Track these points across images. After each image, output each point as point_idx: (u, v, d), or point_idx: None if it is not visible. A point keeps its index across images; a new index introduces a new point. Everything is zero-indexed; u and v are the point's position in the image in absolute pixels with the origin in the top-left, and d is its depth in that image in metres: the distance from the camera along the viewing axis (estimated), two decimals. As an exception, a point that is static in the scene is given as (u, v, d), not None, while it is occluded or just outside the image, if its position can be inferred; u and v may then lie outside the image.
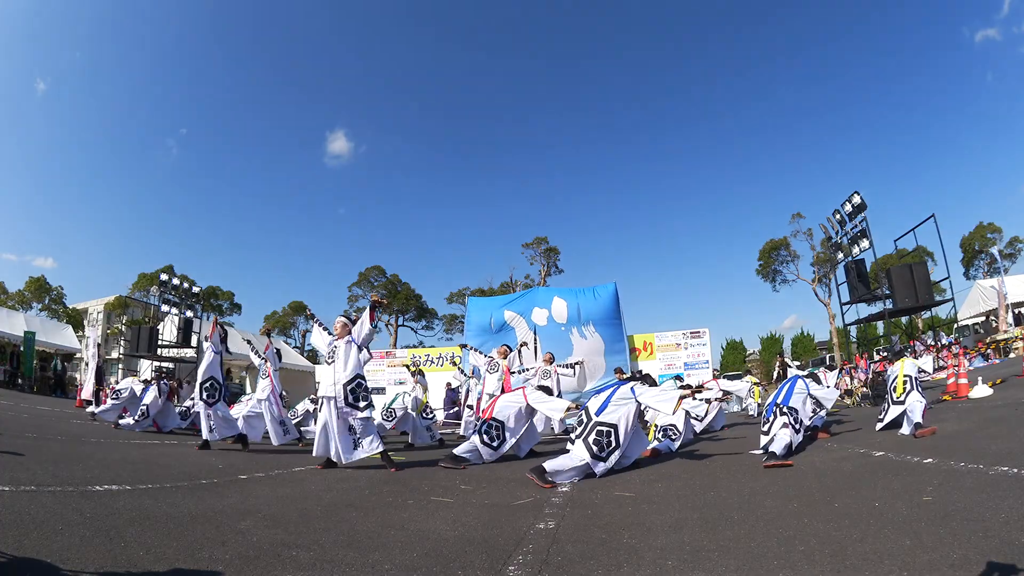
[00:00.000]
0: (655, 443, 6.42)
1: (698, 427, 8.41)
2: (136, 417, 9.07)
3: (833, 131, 57.40)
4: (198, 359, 18.97)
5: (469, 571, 2.31)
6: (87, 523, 2.76)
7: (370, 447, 5.29)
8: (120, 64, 59.25)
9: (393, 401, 8.71)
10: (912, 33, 52.08)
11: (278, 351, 8.09)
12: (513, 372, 8.92)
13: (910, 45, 52.38)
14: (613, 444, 4.67)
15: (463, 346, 11.42)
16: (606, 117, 63.94)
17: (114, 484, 3.87)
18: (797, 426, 5.41)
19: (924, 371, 6.90)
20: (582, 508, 3.54)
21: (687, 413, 7.01)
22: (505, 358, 9.03)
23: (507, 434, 5.94)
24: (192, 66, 61.75)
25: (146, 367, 17.43)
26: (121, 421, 9.24)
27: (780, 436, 5.10)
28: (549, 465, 4.46)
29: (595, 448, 4.62)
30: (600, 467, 4.62)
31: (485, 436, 5.85)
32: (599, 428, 4.69)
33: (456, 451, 5.74)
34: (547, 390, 6.33)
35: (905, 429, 5.84)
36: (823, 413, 7.28)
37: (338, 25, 64.67)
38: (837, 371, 12.74)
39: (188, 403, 9.57)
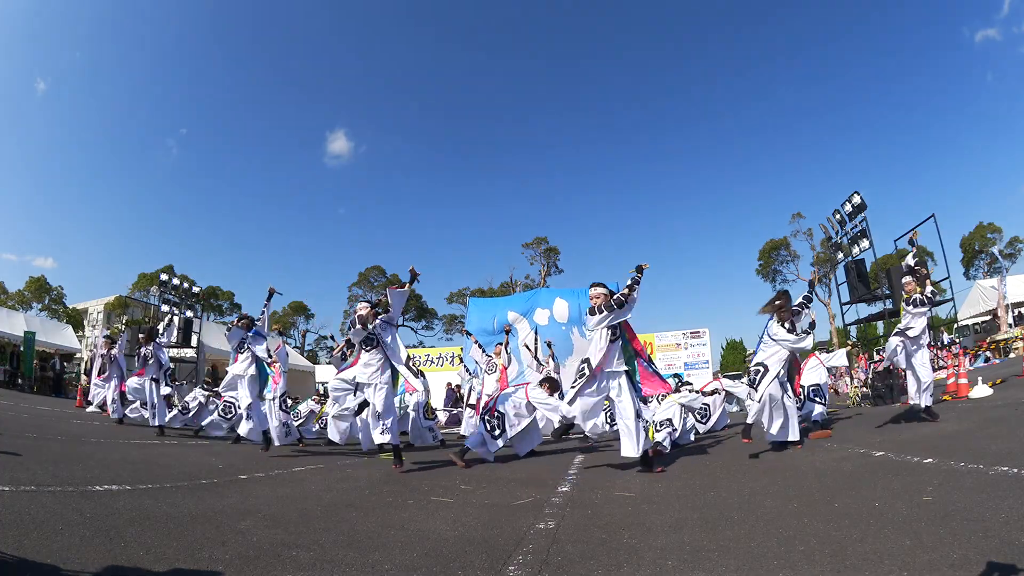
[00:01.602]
0: (657, 437, 6.47)
1: (702, 428, 8.41)
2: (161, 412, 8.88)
3: (833, 131, 57.14)
4: (198, 359, 19.03)
5: (469, 571, 2.31)
6: (87, 523, 2.76)
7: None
8: (120, 64, 58.94)
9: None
10: (912, 33, 51.86)
11: (286, 351, 8.13)
12: (527, 349, 9.06)
13: (910, 45, 52.11)
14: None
15: (467, 333, 11.44)
16: (606, 117, 63.70)
17: (114, 484, 3.87)
18: (757, 377, 5.39)
19: (912, 328, 6.38)
20: (582, 508, 3.54)
21: (683, 407, 7.05)
22: (499, 356, 9.06)
23: (507, 426, 6.08)
24: (192, 66, 61.51)
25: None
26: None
27: (774, 421, 5.26)
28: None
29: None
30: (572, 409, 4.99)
31: (487, 425, 6.03)
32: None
33: (465, 438, 6.01)
34: (553, 383, 6.34)
35: (918, 398, 6.14)
36: (822, 409, 7.26)
37: (338, 25, 64.53)
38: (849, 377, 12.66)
39: (188, 400, 9.54)
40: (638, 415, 4.74)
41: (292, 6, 63.27)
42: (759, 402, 5.29)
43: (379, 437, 5.31)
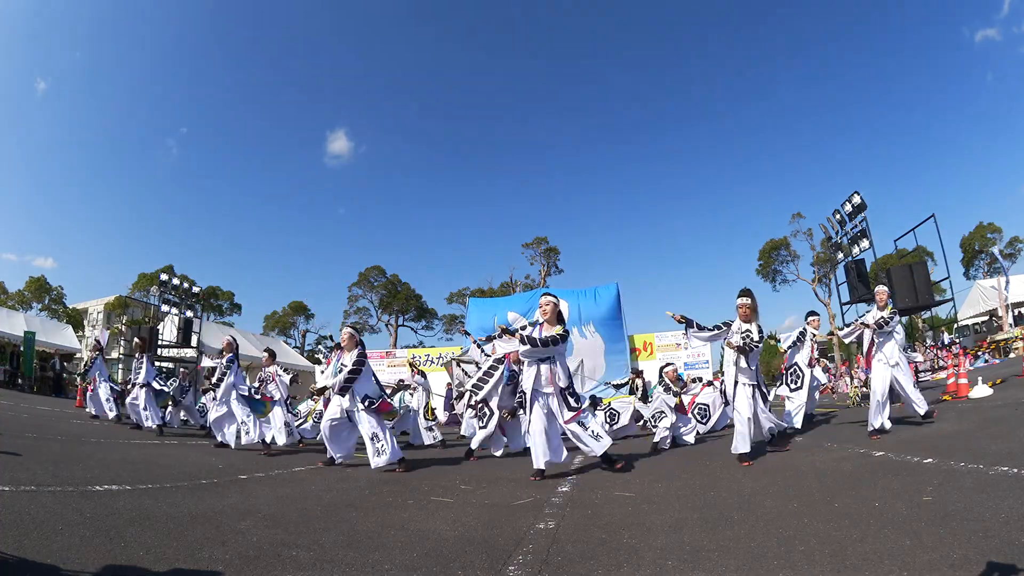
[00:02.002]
0: (656, 433, 6.78)
1: (703, 428, 8.41)
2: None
3: (833, 131, 57.24)
4: (198, 359, 19.01)
5: (469, 571, 2.31)
6: (87, 523, 2.76)
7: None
8: (120, 64, 58.98)
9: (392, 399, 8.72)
10: (912, 33, 51.94)
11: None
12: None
13: (910, 45, 52.20)
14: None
15: (466, 333, 11.42)
16: (606, 117, 63.81)
17: (114, 484, 3.87)
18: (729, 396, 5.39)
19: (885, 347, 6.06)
20: (582, 508, 3.54)
21: (671, 405, 7.11)
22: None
23: (492, 406, 6.31)
24: (192, 66, 61.55)
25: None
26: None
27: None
28: None
29: None
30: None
31: (476, 419, 6.36)
32: None
33: (472, 444, 6.32)
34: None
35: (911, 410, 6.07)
36: (799, 399, 7.15)
37: (338, 25, 64.62)
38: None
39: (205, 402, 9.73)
40: (581, 424, 4.82)
41: (292, 6, 63.40)
42: (738, 415, 5.19)
43: (376, 462, 5.21)
